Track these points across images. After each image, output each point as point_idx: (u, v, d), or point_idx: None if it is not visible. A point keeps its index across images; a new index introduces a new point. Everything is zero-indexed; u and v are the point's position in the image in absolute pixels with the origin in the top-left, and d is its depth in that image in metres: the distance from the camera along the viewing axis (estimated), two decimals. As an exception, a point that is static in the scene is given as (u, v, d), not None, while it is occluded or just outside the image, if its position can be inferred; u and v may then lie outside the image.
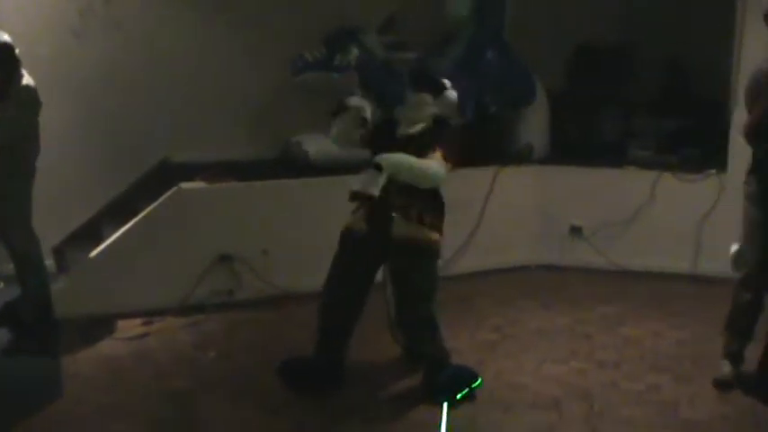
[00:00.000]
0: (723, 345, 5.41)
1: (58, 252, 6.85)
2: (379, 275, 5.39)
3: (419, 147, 5.07)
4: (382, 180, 4.90)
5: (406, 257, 5.07)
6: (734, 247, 5.47)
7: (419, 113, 5.15)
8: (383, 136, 5.18)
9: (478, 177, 7.59)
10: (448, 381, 5.10)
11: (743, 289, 5.25)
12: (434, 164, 5.07)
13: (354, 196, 5.01)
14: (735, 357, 5.34)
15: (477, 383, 5.16)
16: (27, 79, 5.58)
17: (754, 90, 5.06)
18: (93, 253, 6.44)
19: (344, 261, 5.19)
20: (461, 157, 5.49)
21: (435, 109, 5.16)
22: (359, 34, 7.37)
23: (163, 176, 7.09)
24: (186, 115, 7.31)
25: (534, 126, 8.04)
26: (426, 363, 5.18)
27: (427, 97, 5.15)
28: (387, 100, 5.24)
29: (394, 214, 5.01)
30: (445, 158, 5.13)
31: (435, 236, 5.11)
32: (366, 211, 5.09)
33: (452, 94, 5.19)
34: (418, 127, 5.11)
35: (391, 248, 5.07)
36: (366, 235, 5.09)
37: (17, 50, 5.50)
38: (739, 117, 6.90)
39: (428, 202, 5.11)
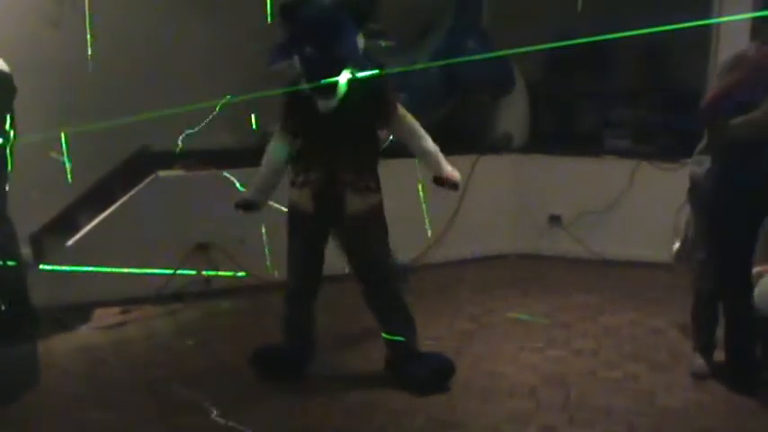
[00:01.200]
0: (692, 338, 5.45)
1: (35, 240, 6.80)
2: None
3: (358, 119, 4.96)
4: None
5: (363, 231, 5.03)
6: (676, 245, 5.52)
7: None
8: (308, 117, 5.00)
9: (457, 166, 7.54)
10: (425, 368, 5.09)
11: (701, 281, 5.27)
12: (429, 140, 5.13)
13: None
14: (705, 349, 5.36)
15: (451, 371, 5.16)
16: (1, 65, 5.53)
17: (727, 69, 5.04)
18: (70, 241, 6.41)
19: (294, 238, 5.17)
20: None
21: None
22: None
23: (141, 164, 7.05)
24: (165, 104, 7.25)
25: (513, 115, 8.05)
26: (401, 346, 5.15)
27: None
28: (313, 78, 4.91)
29: (346, 191, 4.95)
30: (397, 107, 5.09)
31: (381, 197, 5.09)
32: (312, 189, 5.00)
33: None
34: (335, 99, 4.86)
35: (347, 224, 5.02)
36: (313, 216, 5.03)
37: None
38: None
39: (372, 166, 5.08)
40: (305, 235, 5.13)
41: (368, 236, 5.06)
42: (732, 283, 5.00)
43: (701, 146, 5.29)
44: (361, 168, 4.99)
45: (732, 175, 4.95)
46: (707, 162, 5.17)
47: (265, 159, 5.26)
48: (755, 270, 4.71)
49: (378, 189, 5.07)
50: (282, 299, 5.27)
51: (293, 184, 5.10)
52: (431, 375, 5.08)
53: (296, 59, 4.92)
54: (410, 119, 5.10)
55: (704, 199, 5.13)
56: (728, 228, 4.97)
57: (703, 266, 5.22)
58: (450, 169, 5.13)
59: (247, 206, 5.23)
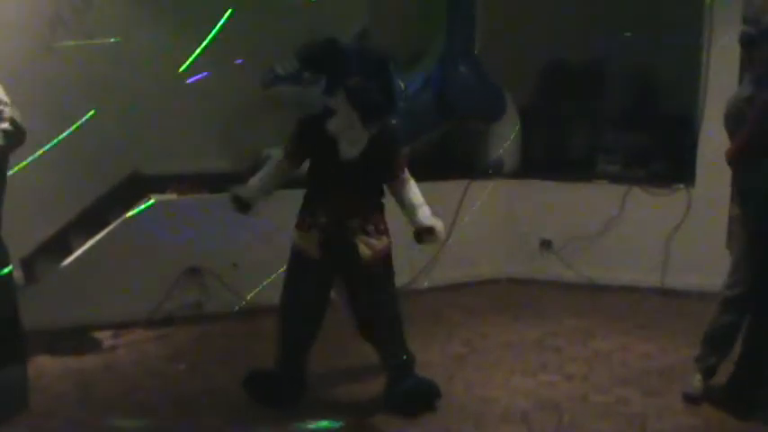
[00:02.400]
0: (697, 358, 5.41)
1: (27, 263, 6.79)
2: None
3: (372, 172, 5.02)
4: None
5: (375, 274, 5.06)
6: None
7: (359, 132, 4.93)
8: (324, 159, 5.01)
9: (449, 191, 7.61)
10: (411, 391, 5.11)
11: (728, 309, 5.26)
12: (419, 195, 5.12)
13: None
14: (708, 371, 5.36)
15: (437, 395, 5.17)
16: None
17: (736, 116, 5.08)
18: (63, 264, 6.40)
19: (298, 281, 5.13)
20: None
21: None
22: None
23: (133, 188, 7.06)
24: (157, 127, 7.27)
25: (504, 140, 8.08)
26: (394, 369, 5.17)
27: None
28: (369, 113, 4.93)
29: (356, 241, 4.97)
30: (403, 167, 5.14)
31: (389, 239, 5.12)
32: (318, 237, 5.00)
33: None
34: (360, 148, 4.93)
35: (357, 270, 5.03)
36: (319, 261, 5.02)
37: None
38: (706, 132, 7.03)
39: (378, 209, 5.11)
40: (309, 280, 5.09)
41: (374, 281, 5.08)
42: None
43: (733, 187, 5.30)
44: (371, 215, 5.04)
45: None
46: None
47: (271, 165, 5.26)
48: None
49: (385, 233, 5.10)
50: (277, 343, 5.22)
51: (299, 226, 5.11)
52: (418, 397, 5.11)
53: (339, 94, 4.88)
54: (412, 182, 5.15)
55: (749, 232, 5.15)
56: None
57: (738, 296, 5.20)
58: (428, 222, 5.08)
59: (242, 206, 5.16)
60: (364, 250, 4.99)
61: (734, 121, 5.07)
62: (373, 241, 5.01)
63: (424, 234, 5.06)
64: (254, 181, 5.20)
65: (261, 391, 5.23)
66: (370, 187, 5.08)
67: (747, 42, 5.13)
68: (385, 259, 5.10)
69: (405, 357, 5.19)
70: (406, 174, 5.13)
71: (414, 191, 5.12)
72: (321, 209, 5.01)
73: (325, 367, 5.64)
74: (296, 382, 5.23)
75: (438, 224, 5.07)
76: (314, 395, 5.30)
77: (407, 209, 5.11)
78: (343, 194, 4.98)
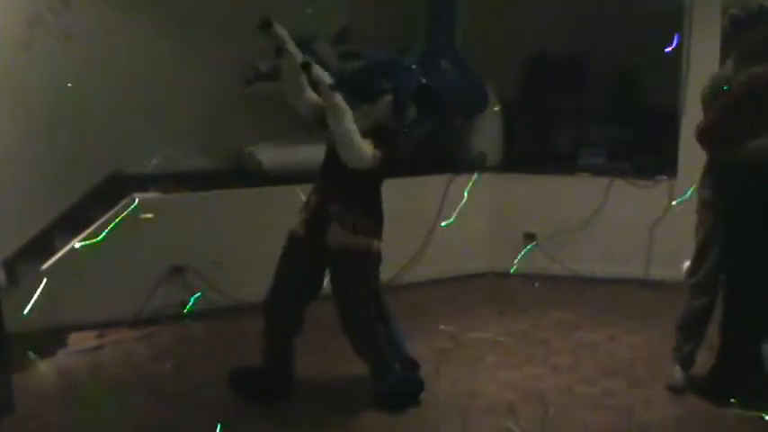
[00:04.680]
0: (674, 348, 5.46)
1: (9, 265, 6.76)
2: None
3: None
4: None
5: (342, 266, 5.08)
6: (687, 264, 5.56)
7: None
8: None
9: (432, 185, 7.61)
10: (395, 385, 5.12)
11: (698, 294, 5.30)
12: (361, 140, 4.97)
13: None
14: (685, 361, 5.40)
15: (421, 389, 5.20)
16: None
17: (714, 91, 5.11)
18: (45, 265, 6.37)
19: (285, 264, 5.18)
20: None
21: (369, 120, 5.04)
22: (312, 44, 7.37)
23: (115, 187, 7.03)
24: (139, 126, 7.25)
25: (487, 134, 8.08)
26: (373, 368, 5.19)
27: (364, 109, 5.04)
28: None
29: (332, 222, 4.99)
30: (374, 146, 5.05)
31: (372, 243, 5.09)
32: (305, 216, 5.10)
33: (386, 99, 5.07)
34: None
35: (328, 256, 5.06)
36: (304, 239, 5.08)
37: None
38: (688, 125, 7.04)
39: (365, 209, 5.09)
40: (295, 259, 5.15)
41: (341, 275, 5.10)
42: (751, 294, 5.08)
43: (703, 170, 5.30)
44: (354, 209, 5.02)
45: (743, 188, 5.03)
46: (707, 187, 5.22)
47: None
48: None
49: (369, 236, 5.06)
50: (265, 330, 5.23)
51: (300, 209, 5.23)
52: (401, 392, 5.14)
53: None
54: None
55: (718, 217, 5.16)
56: (748, 240, 5.03)
57: (706, 281, 5.25)
58: None
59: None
60: (332, 238, 4.99)
61: (711, 97, 5.10)
62: (348, 236, 5.00)
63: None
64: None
65: (247, 388, 5.23)
66: (356, 178, 4.99)
67: (734, 24, 5.16)
68: (358, 259, 5.06)
69: (380, 361, 5.18)
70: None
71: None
72: (314, 191, 5.13)
73: (312, 363, 5.63)
74: (283, 376, 5.23)
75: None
76: (300, 391, 5.30)
77: None
78: (331, 179, 5.05)
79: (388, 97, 5.05)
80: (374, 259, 5.16)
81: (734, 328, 5.17)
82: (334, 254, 5.02)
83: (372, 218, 5.11)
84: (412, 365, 5.43)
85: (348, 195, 5.03)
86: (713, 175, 5.21)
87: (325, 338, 5.66)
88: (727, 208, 5.11)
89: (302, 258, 5.12)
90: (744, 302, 5.11)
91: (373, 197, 5.14)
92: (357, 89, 5.01)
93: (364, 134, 4.88)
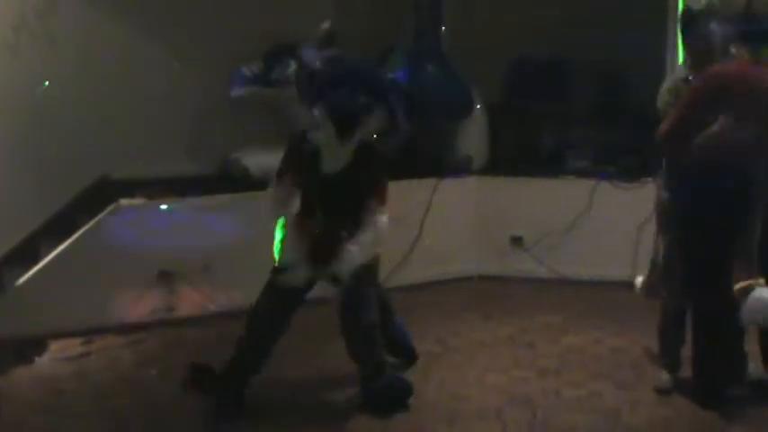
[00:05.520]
0: (659, 354, 5.50)
1: (-6, 271, 6.74)
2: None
3: (355, 188, 5.03)
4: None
5: (353, 285, 5.05)
6: (638, 279, 5.59)
7: (340, 146, 5.00)
8: (308, 171, 5.04)
9: (418, 189, 7.61)
10: (384, 390, 5.11)
11: (669, 300, 5.34)
12: (380, 225, 5.06)
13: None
14: (671, 364, 5.42)
15: (409, 394, 5.17)
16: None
17: (672, 94, 5.17)
18: (31, 271, 6.34)
19: (275, 316, 5.11)
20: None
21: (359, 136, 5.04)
22: (297, 49, 7.38)
23: (101, 193, 7.01)
24: (124, 132, 7.23)
25: (473, 138, 8.09)
26: (366, 371, 5.16)
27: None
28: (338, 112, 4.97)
29: (342, 249, 4.97)
30: (383, 200, 5.11)
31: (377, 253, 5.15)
32: (307, 250, 5.03)
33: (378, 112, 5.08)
34: (342, 162, 5.00)
35: (337, 281, 5.04)
36: (309, 280, 5.07)
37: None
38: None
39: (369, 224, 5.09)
40: (290, 308, 5.12)
41: (357, 289, 5.07)
42: (711, 300, 5.03)
43: (662, 172, 5.33)
44: (357, 227, 5.03)
45: (701, 193, 4.99)
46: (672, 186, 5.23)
47: (280, 206, 5.18)
48: (738, 286, 4.78)
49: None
50: (240, 344, 5.19)
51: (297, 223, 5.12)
52: (389, 396, 5.11)
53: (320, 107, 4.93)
54: (380, 220, 5.10)
55: (677, 221, 5.16)
56: (706, 246, 5.00)
57: (675, 286, 5.26)
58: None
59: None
60: (346, 265, 4.97)
61: (668, 100, 5.12)
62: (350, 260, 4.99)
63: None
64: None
65: (201, 387, 5.15)
66: (354, 204, 5.05)
67: (686, 21, 5.21)
68: (365, 273, 5.08)
69: (374, 364, 5.16)
70: (382, 208, 5.10)
71: (369, 233, 5.06)
72: (309, 222, 5.04)
73: (299, 367, 5.62)
74: (235, 397, 5.14)
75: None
76: (287, 395, 5.30)
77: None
78: (328, 209, 5.01)
79: (377, 115, 5.03)
80: (377, 264, 5.19)
81: (700, 337, 5.17)
82: (346, 279, 5.00)
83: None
84: (414, 356, 5.57)
85: (353, 222, 5.02)
86: (671, 177, 5.23)
87: (315, 343, 5.67)
88: (683, 212, 5.12)
89: (301, 297, 5.12)
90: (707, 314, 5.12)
91: (367, 211, 5.10)
92: (345, 121, 4.94)
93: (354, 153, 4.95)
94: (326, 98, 4.91)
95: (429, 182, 7.67)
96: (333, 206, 5.02)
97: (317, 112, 4.96)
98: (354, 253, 4.97)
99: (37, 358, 6.00)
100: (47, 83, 6.80)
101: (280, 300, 5.09)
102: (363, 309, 5.12)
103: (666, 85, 5.31)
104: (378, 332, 5.19)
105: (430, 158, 8.06)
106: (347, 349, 5.20)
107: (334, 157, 4.97)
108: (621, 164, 7.85)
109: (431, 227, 7.60)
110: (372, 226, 5.04)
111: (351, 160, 4.99)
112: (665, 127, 5.06)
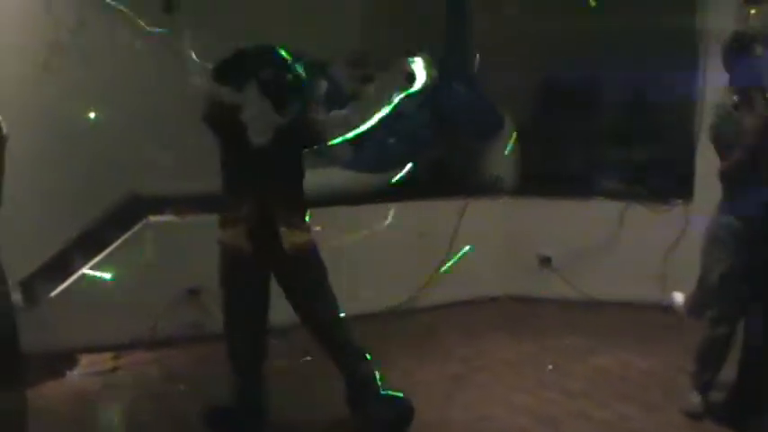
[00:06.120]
0: (692, 375, 5.42)
1: (26, 285, 6.79)
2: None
3: (295, 159, 5.00)
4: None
5: (302, 268, 4.92)
6: (678, 297, 5.55)
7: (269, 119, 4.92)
8: (236, 146, 4.95)
9: (447, 209, 7.61)
10: (380, 417, 5.02)
11: (719, 323, 5.26)
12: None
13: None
14: (705, 388, 5.36)
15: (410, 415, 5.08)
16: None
17: (722, 129, 5.11)
18: (61, 287, 6.40)
19: (236, 284, 4.98)
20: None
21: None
22: (328, 68, 7.42)
23: (132, 209, 7.06)
24: (155, 148, 7.28)
25: (502, 158, 8.09)
26: (348, 360, 5.06)
27: None
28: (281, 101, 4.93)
29: (281, 227, 4.83)
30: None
31: (310, 234, 4.99)
32: (245, 228, 4.84)
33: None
34: (269, 133, 4.89)
35: (285, 263, 4.89)
36: (252, 253, 4.84)
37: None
38: (704, 148, 7.02)
39: (301, 202, 5.01)
40: (247, 279, 4.94)
41: (307, 274, 4.95)
42: None
43: (724, 196, 5.27)
44: (293, 205, 4.93)
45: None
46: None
47: None
48: None
49: (308, 228, 4.97)
50: (228, 359, 5.10)
51: (223, 223, 4.96)
52: (392, 418, 5.02)
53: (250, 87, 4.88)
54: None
55: (735, 251, 5.14)
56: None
57: (727, 309, 5.21)
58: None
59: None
60: (290, 239, 4.82)
61: (723, 129, 5.08)
62: (297, 234, 4.88)
63: None
64: None
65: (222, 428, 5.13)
66: (292, 173, 4.96)
67: (735, 46, 5.17)
68: (313, 253, 4.97)
69: (358, 356, 5.06)
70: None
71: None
72: (245, 200, 4.86)
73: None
74: (254, 411, 5.08)
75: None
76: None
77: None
78: (266, 183, 4.86)
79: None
80: (318, 252, 5.03)
81: (755, 360, 5.13)
82: (291, 259, 4.85)
83: (305, 210, 5.01)
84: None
85: (287, 197, 4.92)
86: (732, 204, 5.19)
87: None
88: (748, 240, 5.09)
89: (251, 273, 4.91)
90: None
91: (299, 188, 5.02)
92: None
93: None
94: (265, 79, 4.88)
95: (458, 202, 7.66)
96: (265, 181, 4.88)
97: (245, 92, 4.88)
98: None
99: (68, 372, 6.04)
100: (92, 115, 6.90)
101: (234, 269, 4.97)
102: (331, 296, 5.01)
103: (718, 115, 5.22)
104: (353, 340, 5.08)
105: (459, 178, 8.06)
106: (328, 344, 5.08)
107: (262, 129, 4.87)
108: (651, 184, 7.82)
109: (459, 246, 7.58)
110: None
111: (279, 133, 4.88)
112: (724, 167, 5.06)
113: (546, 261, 7.84)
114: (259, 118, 4.85)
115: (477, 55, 7.96)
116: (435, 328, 7.01)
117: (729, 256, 5.16)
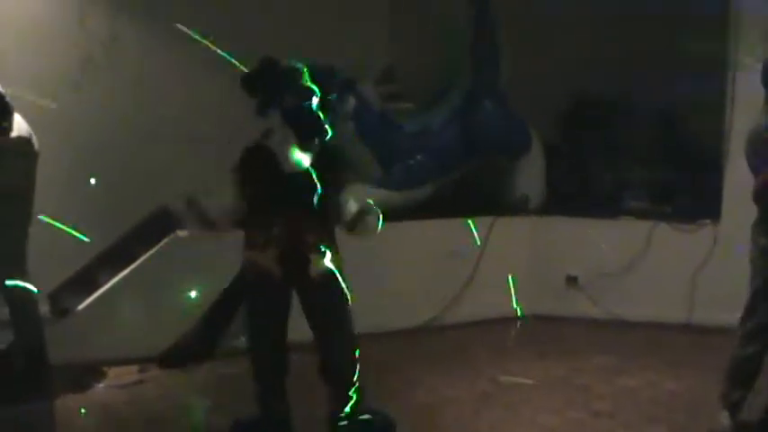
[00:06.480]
0: (722, 395, 5.34)
1: (54, 298, 6.83)
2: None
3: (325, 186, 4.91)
4: None
5: (326, 292, 4.90)
6: None
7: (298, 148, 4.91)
8: (268, 175, 4.93)
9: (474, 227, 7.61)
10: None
11: (751, 340, 5.22)
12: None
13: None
14: (734, 408, 5.31)
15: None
16: (21, 128, 5.62)
17: (758, 146, 5.09)
18: (89, 299, 6.44)
19: (262, 303, 4.99)
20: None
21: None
22: (356, 84, 7.44)
23: (160, 224, 7.09)
24: (184, 163, 7.32)
25: (530, 176, 8.09)
26: (347, 390, 5.01)
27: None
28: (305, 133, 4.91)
29: (311, 256, 4.83)
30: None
31: (339, 257, 4.97)
32: (276, 252, 4.84)
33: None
34: (301, 164, 4.90)
35: (310, 286, 4.88)
36: (280, 276, 4.85)
37: (8, 99, 5.56)
38: (732, 168, 7.00)
39: (327, 228, 4.97)
40: (272, 299, 4.95)
41: (332, 297, 4.93)
42: None
43: (758, 217, 5.25)
44: (323, 230, 4.92)
45: None
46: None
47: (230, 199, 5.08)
48: None
49: (337, 251, 4.96)
50: (252, 373, 5.11)
51: (251, 245, 4.96)
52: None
53: (274, 115, 4.88)
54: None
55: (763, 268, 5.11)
56: None
57: (759, 328, 5.15)
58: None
59: (207, 223, 5.07)
60: (317, 266, 4.83)
61: (756, 151, 5.05)
62: (325, 260, 4.85)
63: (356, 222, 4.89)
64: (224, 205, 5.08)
65: None
66: (317, 204, 4.89)
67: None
68: (336, 280, 4.92)
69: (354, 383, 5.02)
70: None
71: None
72: (272, 223, 4.85)
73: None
74: (281, 422, 5.11)
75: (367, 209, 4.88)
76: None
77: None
78: (293, 210, 4.85)
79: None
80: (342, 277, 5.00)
81: None
82: (319, 283, 4.85)
83: (333, 234, 4.99)
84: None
85: (317, 223, 4.89)
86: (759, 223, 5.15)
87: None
88: None
89: (277, 293, 4.92)
90: None
91: (329, 214, 4.98)
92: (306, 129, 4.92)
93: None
94: (288, 109, 4.84)
95: (486, 220, 7.66)
96: (296, 208, 4.86)
97: (272, 119, 4.88)
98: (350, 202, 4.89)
99: (95, 384, 6.06)
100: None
101: (261, 290, 4.97)
102: (347, 319, 4.98)
103: (752, 137, 5.19)
104: (356, 353, 5.04)
105: (487, 196, 8.06)
106: (333, 370, 5.04)
107: (293, 157, 4.85)
108: (679, 204, 7.80)
109: (486, 265, 7.57)
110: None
111: (312, 160, 4.88)
112: (758, 188, 5.01)
113: (572, 280, 7.81)
114: (284, 146, 4.86)
115: (507, 73, 7.98)
116: (463, 346, 6.99)
117: (758, 274, 5.14)
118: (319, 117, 4.88)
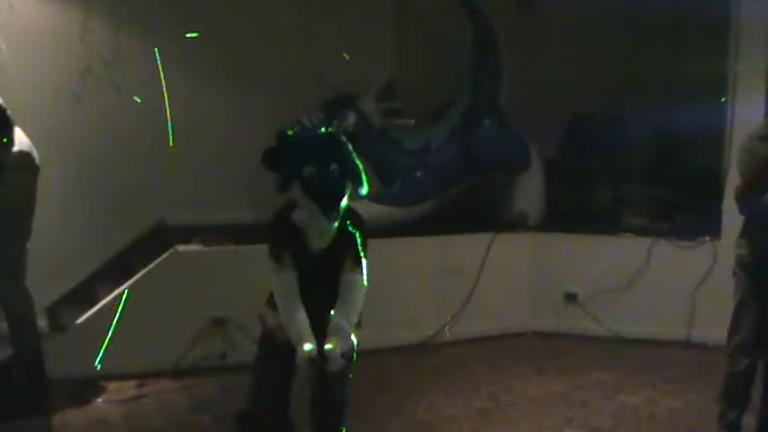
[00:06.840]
0: (719, 415, 5.34)
1: (52, 312, 6.83)
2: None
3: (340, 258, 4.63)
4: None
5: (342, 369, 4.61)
6: None
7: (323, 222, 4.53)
8: (296, 251, 4.58)
9: (474, 244, 7.61)
10: None
11: (739, 356, 5.23)
12: (362, 287, 4.64)
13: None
14: (733, 426, 5.30)
15: None
16: (22, 143, 5.62)
17: (743, 157, 5.11)
18: (88, 314, 6.43)
19: (271, 368, 4.78)
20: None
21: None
22: (357, 100, 7.47)
23: (158, 238, 7.10)
24: (183, 177, 7.34)
25: (529, 193, 8.10)
26: None
27: None
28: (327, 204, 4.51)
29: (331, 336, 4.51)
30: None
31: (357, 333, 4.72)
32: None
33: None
34: (328, 237, 4.55)
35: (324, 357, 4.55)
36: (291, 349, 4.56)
37: (9, 112, 5.57)
38: (732, 185, 6.99)
39: (357, 308, 4.67)
40: (282, 366, 4.72)
41: (345, 372, 4.66)
42: None
43: (741, 230, 5.26)
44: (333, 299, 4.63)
45: None
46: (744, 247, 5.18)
47: (283, 290, 4.65)
48: None
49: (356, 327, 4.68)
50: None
51: (273, 314, 4.69)
52: None
53: (295, 187, 4.51)
54: (361, 288, 4.66)
55: (754, 278, 5.11)
56: None
57: (744, 344, 5.16)
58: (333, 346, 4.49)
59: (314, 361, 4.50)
60: (334, 343, 4.48)
61: (747, 160, 5.07)
62: (344, 339, 4.54)
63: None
64: (297, 328, 4.58)
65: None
66: (335, 274, 4.63)
67: None
68: (350, 354, 4.61)
69: None
70: (362, 273, 4.65)
71: (356, 298, 4.62)
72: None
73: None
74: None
75: (335, 353, 4.47)
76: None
77: (337, 307, 4.60)
78: (318, 287, 4.60)
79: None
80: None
81: None
82: (330, 356, 4.50)
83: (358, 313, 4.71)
84: None
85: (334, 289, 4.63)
86: (749, 234, 5.16)
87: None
88: (762, 269, 5.06)
89: (288, 362, 4.59)
90: None
91: None
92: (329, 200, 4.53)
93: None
94: (305, 180, 4.48)
95: (485, 236, 7.66)
96: (321, 285, 4.60)
97: (294, 191, 4.51)
98: (347, 334, 4.57)
99: (93, 399, 6.05)
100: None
101: (271, 354, 4.75)
102: (346, 386, 4.80)
103: (743, 144, 5.22)
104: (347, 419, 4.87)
105: (486, 213, 8.07)
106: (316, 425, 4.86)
107: (320, 233, 4.55)
108: (678, 221, 7.80)
109: (486, 281, 7.57)
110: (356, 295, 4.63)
111: (336, 234, 4.59)
112: (740, 186, 5.05)
113: (571, 297, 7.80)
114: (310, 222, 4.54)
115: (507, 90, 8.00)
116: (462, 363, 6.98)
117: (743, 287, 5.15)
118: (340, 184, 4.53)
